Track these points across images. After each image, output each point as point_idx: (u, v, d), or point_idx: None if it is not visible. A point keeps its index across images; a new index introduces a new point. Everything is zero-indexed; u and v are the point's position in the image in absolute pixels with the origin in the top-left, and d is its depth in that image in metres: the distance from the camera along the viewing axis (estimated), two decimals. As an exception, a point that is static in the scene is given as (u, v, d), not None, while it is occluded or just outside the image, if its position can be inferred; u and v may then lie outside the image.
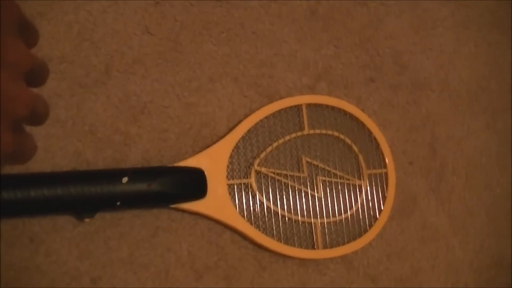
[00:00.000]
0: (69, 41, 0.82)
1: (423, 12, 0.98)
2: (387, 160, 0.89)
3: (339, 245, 0.87)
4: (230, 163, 0.83)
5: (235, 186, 0.83)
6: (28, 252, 0.77)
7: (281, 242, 0.84)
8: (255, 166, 0.84)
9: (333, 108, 0.89)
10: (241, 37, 0.89)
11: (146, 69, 0.84)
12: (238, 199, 0.83)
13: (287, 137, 0.86)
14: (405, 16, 0.97)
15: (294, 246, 0.85)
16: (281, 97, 0.88)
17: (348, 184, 0.88)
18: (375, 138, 0.90)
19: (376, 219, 0.88)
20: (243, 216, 0.82)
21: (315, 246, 0.85)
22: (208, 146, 0.84)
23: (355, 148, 0.88)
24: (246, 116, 0.86)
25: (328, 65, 0.92)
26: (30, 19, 0.55)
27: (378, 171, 0.89)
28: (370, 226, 0.88)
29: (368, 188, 0.89)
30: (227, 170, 0.82)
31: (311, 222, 0.86)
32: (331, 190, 0.87)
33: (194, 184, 0.81)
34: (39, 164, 0.79)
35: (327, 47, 0.92)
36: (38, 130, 0.78)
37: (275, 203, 0.84)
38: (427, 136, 0.95)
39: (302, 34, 0.91)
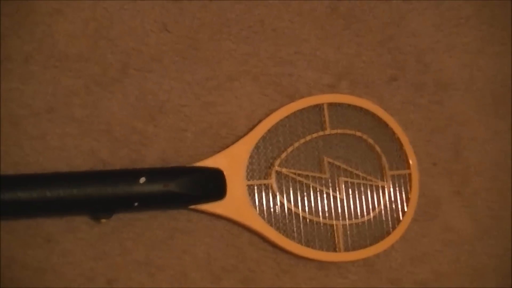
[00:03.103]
0: (86, 38, 0.82)
1: (446, 10, 0.96)
2: (410, 161, 0.88)
3: (361, 248, 0.85)
4: (250, 163, 0.82)
5: (255, 187, 0.82)
6: (44, 252, 0.77)
7: (301, 244, 0.82)
8: (276, 167, 0.82)
9: (355, 107, 0.87)
10: (261, 35, 0.88)
11: (163, 67, 0.83)
12: (258, 200, 0.81)
13: (308, 137, 0.85)
14: (428, 14, 0.95)
15: (315, 248, 0.83)
16: (302, 96, 0.87)
17: (371, 185, 0.86)
18: (398, 139, 0.88)
19: (399, 221, 0.86)
20: (263, 217, 0.81)
21: (336, 249, 0.84)
22: (227, 146, 0.82)
23: (377, 148, 0.87)
24: (266, 115, 0.85)
25: (349, 63, 0.90)
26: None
27: (401, 172, 0.87)
28: (393, 228, 0.86)
29: (391, 189, 0.87)
30: (246, 170, 0.81)
31: (333, 224, 0.84)
32: (353, 191, 0.85)
33: (213, 184, 0.79)
34: (54, 163, 0.78)
35: (348, 45, 0.91)
36: (54, 129, 0.77)
37: (295, 204, 0.83)
38: (451, 137, 0.93)
39: (323, 32, 0.90)
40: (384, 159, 0.87)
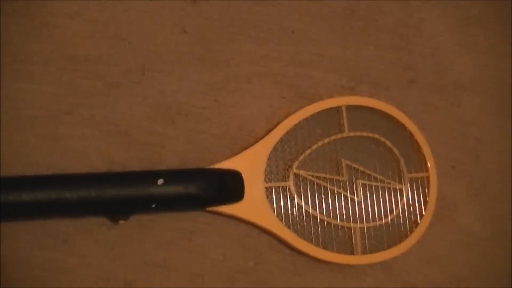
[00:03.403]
0: (105, 40, 0.82)
1: (465, 12, 0.96)
2: (428, 164, 0.87)
3: (378, 251, 0.84)
4: (268, 165, 0.82)
5: (273, 189, 0.81)
6: (62, 253, 0.77)
7: (319, 247, 0.82)
8: (294, 169, 0.82)
9: (373, 110, 0.87)
10: (280, 37, 0.88)
11: (183, 69, 0.84)
12: (276, 203, 0.81)
13: (327, 140, 0.85)
14: (447, 16, 0.95)
15: (333, 251, 0.83)
16: (321, 99, 0.87)
17: (389, 188, 0.86)
18: (416, 141, 0.87)
19: (417, 224, 0.86)
20: (280, 220, 0.81)
21: (354, 252, 0.83)
22: (245, 148, 0.82)
23: (395, 151, 0.86)
24: (284, 117, 0.84)
25: (368, 66, 0.90)
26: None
27: (419, 175, 0.87)
28: (411, 231, 0.85)
29: (409, 192, 0.86)
30: (265, 172, 0.81)
31: (350, 227, 0.84)
32: (371, 194, 0.85)
33: (231, 186, 0.79)
34: (73, 165, 0.79)
35: (367, 47, 0.90)
36: (73, 131, 0.77)
37: (313, 207, 0.82)
38: (470, 139, 0.93)
39: (342, 34, 0.90)
40: (402, 161, 0.86)
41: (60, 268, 0.76)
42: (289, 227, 0.81)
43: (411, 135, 0.87)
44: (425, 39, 0.93)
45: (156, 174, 0.76)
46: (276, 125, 0.84)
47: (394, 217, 0.85)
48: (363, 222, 0.84)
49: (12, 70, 0.79)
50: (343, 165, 0.84)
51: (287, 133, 0.83)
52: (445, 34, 0.94)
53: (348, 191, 0.84)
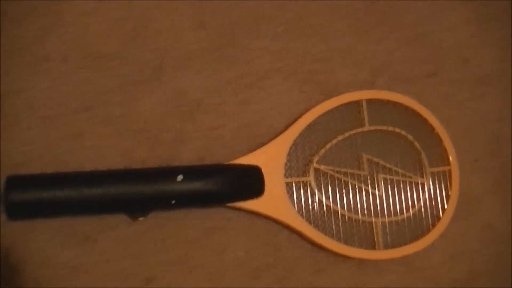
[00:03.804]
0: (122, 37, 0.82)
1: (486, 4, 0.95)
2: (450, 158, 0.86)
3: (400, 246, 0.83)
4: (288, 160, 0.81)
5: (293, 184, 0.81)
6: (81, 251, 0.77)
7: (340, 242, 0.81)
8: (314, 164, 0.82)
9: (394, 103, 0.86)
10: (297, 31, 0.87)
11: (200, 65, 0.84)
12: (296, 198, 0.81)
13: (347, 134, 0.84)
14: (467, 8, 0.94)
15: (354, 246, 0.82)
16: (340, 93, 0.86)
17: (410, 182, 0.85)
18: (437, 135, 0.86)
19: (439, 218, 0.85)
20: (301, 215, 0.80)
21: (376, 246, 0.83)
22: (264, 144, 0.82)
23: (417, 144, 0.85)
24: (303, 112, 0.84)
25: (387, 59, 0.89)
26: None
27: (441, 168, 0.86)
28: (433, 226, 0.84)
29: (431, 186, 0.85)
30: (285, 167, 0.81)
31: (372, 221, 0.83)
32: (392, 188, 0.84)
33: (251, 182, 0.79)
34: (91, 163, 0.79)
35: (385, 41, 0.90)
36: (91, 128, 0.77)
37: (334, 202, 0.82)
38: (492, 133, 0.91)
39: (360, 27, 0.89)
40: (423, 155, 0.85)
41: (80, 265, 0.77)
42: (309, 222, 0.80)
43: (433, 129, 0.86)
44: (445, 32, 0.92)
45: (176, 171, 0.76)
46: (295, 120, 0.83)
47: (416, 212, 0.84)
48: (385, 217, 0.83)
49: (29, 68, 0.79)
50: (364, 159, 0.84)
51: (307, 127, 0.83)
52: (465, 27, 0.93)
53: (369, 186, 0.83)
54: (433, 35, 0.92)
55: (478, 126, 0.91)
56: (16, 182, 0.73)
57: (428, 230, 0.84)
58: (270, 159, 0.80)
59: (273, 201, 0.79)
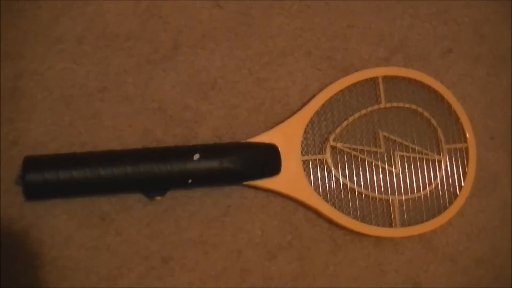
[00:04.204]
0: (137, 17, 0.82)
1: (502, -20, 0.94)
2: (467, 135, 0.86)
3: (417, 223, 0.83)
4: (305, 138, 0.81)
5: (310, 162, 0.81)
6: (99, 231, 0.78)
7: (357, 220, 0.81)
8: (331, 142, 0.82)
9: (410, 80, 0.86)
10: (313, 8, 0.87)
11: (216, 43, 0.83)
12: (313, 176, 0.81)
13: (363, 111, 0.84)
14: (484, -16, 0.93)
15: (371, 224, 0.82)
16: (356, 70, 0.86)
17: (427, 160, 0.85)
18: (454, 112, 0.86)
19: (456, 196, 0.85)
20: (318, 193, 0.80)
21: (393, 224, 0.83)
22: (281, 122, 0.82)
23: (433, 122, 0.85)
24: (320, 90, 0.84)
25: (404, 36, 0.89)
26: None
27: (458, 146, 0.86)
28: (450, 203, 0.85)
29: (448, 163, 0.85)
30: (301, 146, 0.81)
31: (388, 199, 0.83)
32: (409, 165, 0.84)
33: (268, 160, 0.79)
34: (108, 142, 0.79)
35: (402, 17, 0.89)
36: (107, 108, 0.77)
37: (351, 180, 0.82)
38: (509, 109, 0.91)
39: (376, 4, 0.89)
40: (440, 132, 0.85)
41: (97, 245, 0.77)
42: (326, 201, 0.81)
43: (449, 106, 0.86)
44: (461, 8, 0.92)
45: (192, 149, 0.76)
46: (311, 98, 0.83)
47: (432, 189, 0.84)
48: (402, 195, 0.83)
49: (44, 49, 0.79)
50: (381, 136, 0.84)
51: (323, 105, 0.83)
52: (482, 2, 0.92)
53: (386, 163, 0.83)
54: (450, 11, 0.91)
55: (495, 103, 0.91)
56: (34, 162, 0.73)
57: (445, 208, 0.84)
58: (286, 137, 0.80)
59: (290, 179, 0.79)
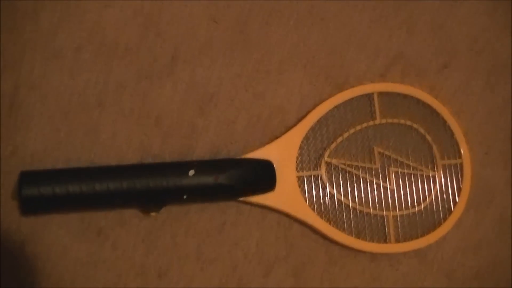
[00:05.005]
0: (135, 31, 0.82)
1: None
2: (462, 150, 0.86)
3: (412, 239, 0.83)
4: (300, 154, 0.81)
5: (305, 178, 0.81)
6: (95, 246, 0.78)
7: (352, 235, 0.82)
8: (326, 157, 0.82)
9: (406, 96, 0.86)
10: (309, 24, 0.87)
11: (212, 58, 0.83)
12: (308, 192, 0.81)
13: (358, 127, 0.84)
14: (480, -1, 0.93)
15: (366, 239, 0.82)
16: (352, 86, 0.86)
17: (422, 175, 0.85)
18: (449, 127, 0.86)
19: (451, 211, 0.85)
20: (313, 209, 0.81)
21: (388, 240, 0.83)
22: (276, 137, 0.82)
23: (428, 137, 0.85)
24: (315, 105, 0.84)
25: (399, 51, 0.89)
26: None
27: (453, 161, 0.86)
28: (445, 218, 0.84)
29: (443, 179, 0.85)
30: (296, 161, 0.81)
31: (383, 215, 0.83)
32: (404, 181, 0.84)
33: (263, 176, 0.79)
34: (104, 157, 0.79)
35: (398, 33, 0.89)
36: (104, 122, 0.78)
37: (346, 195, 0.82)
38: (505, 124, 0.91)
39: (373, 20, 0.88)
40: (435, 148, 0.85)
41: (93, 260, 0.77)
42: (321, 216, 0.81)
43: (444, 121, 0.86)
44: (457, 23, 0.91)
45: (187, 165, 0.76)
46: (307, 113, 0.83)
47: (427, 205, 0.84)
48: (396, 210, 0.83)
49: (42, 62, 0.79)
50: (376, 152, 0.84)
51: (318, 121, 0.83)
52: (478, 17, 0.92)
53: (381, 179, 0.83)
54: (446, 27, 0.91)
55: (490, 119, 0.90)
56: (30, 177, 0.73)
57: (440, 223, 0.84)
58: (281, 153, 0.80)
59: (285, 195, 0.79)
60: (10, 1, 0.79)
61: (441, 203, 0.85)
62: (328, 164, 0.82)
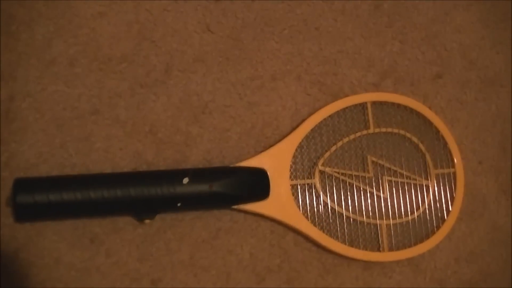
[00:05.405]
0: (129, 40, 0.82)
1: (492, 6, 0.95)
2: (455, 159, 0.86)
3: (405, 248, 0.84)
4: (294, 163, 0.82)
5: (299, 187, 0.81)
6: (89, 253, 0.78)
7: (345, 244, 0.82)
8: (319, 166, 0.82)
9: (399, 105, 0.86)
10: (304, 34, 0.87)
11: (207, 68, 0.84)
12: (302, 200, 0.81)
13: (352, 136, 0.84)
14: (473, 10, 0.94)
15: (359, 248, 0.82)
16: (345, 95, 0.86)
17: (415, 184, 0.85)
18: (442, 137, 0.87)
19: (444, 220, 0.85)
20: (306, 217, 0.81)
21: (381, 249, 0.83)
22: (270, 146, 0.82)
23: (422, 147, 0.85)
24: (309, 114, 0.84)
25: (393, 61, 0.89)
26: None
27: (446, 170, 0.86)
28: (438, 227, 0.85)
29: (436, 188, 0.85)
30: (290, 170, 0.81)
31: (377, 224, 0.83)
32: (397, 190, 0.84)
33: (257, 184, 0.79)
34: (99, 165, 0.79)
35: (392, 43, 0.90)
36: (98, 131, 0.78)
37: (339, 204, 0.82)
38: (497, 134, 0.91)
39: (366, 30, 0.89)
40: (428, 157, 0.86)
41: (87, 267, 0.77)
42: (315, 225, 0.81)
43: (437, 131, 0.87)
44: (451, 33, 0.92)
45: (181, 173, 0.76)
46: (301, 122, 0.84)
47: (421, 214, 0.85)
48: (390, 219, 0.84)
49: (37, 71, 0.79)
50: (369, 161, 0.84)
51: (312, 130, 0.83)
52: (471, 29, 0.93)
53: (374, 188, 0.84)
54: (439, 37, 0.92)
55: (484, 128, 0.91)
56: (24, 184, 0.73)
57: (433, 232, 0.85)
58: (275, 161, 0.80)
59: (279, 203, 0.80)
60: (6, 10, 0.80)
61: (434, 212, 0.85)
62: (321, 173, 0.82)
